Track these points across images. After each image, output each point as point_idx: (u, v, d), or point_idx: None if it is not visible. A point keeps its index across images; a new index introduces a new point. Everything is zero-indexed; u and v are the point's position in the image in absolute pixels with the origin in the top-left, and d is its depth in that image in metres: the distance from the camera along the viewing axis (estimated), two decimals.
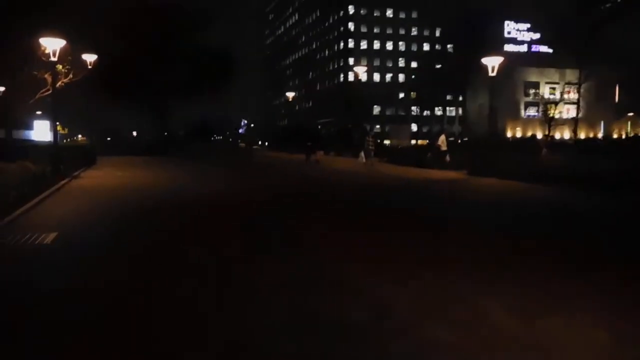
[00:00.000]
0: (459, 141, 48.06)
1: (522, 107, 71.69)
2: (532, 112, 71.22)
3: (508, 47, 76.68)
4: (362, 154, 22.52)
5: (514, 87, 68.43)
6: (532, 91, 71.43)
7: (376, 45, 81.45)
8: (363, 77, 65.06)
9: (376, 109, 76.85)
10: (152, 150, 34.04)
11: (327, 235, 6.99)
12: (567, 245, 6.46)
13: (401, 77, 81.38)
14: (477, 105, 67.00)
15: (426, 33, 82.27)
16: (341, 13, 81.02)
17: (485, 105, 52.73)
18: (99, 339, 3.42)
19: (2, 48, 19.30)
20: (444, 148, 21.14)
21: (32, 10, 19.00)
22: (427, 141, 41.79)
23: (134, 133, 63.70)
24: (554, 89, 67.92)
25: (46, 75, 19.74)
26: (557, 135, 59.40)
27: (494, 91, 22.38)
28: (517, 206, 10.61)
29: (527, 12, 75.86)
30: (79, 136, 59.55)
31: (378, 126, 70.04)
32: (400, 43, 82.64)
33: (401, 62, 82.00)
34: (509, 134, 65.14)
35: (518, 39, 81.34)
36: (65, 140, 40.17)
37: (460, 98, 75.86)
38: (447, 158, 20.45)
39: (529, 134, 61.48)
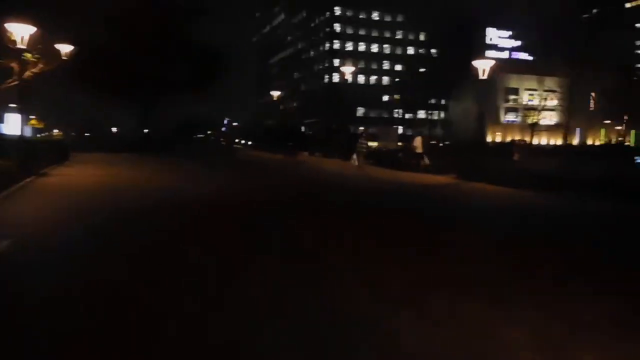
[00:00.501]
0: (441, 145, 48.47)
1: (502, 112, 73.09)
2: (511, 117, 72.71)
3: (489, 53, 78.01)
4: (355, 156, 21.85)
5: (494, 93, 69.68)
6: (511, 97, 72.91)
7: (361, 47, 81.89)
8: (349, 78, 65.12)
9: (360, 111, 77.22)
10: (132, 147, 33.28)
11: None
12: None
13: (385, 80, 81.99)
14: (461, 109, 67.98)
15: (411, 37, 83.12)
16: (327, 14, 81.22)
17: (468, 109, 53.50)
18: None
19: None
20: (419, 150, 20.97)
21: None
22: (402, 143, 41.80)
23: (114, 129, 62.59)
24: (532, 95, 69.57)
25: (12, 64, 17.97)
26: (535, 141, 60.72)
27: (482, 96, 22.84)
28: (526, 212, 10.48)
29: (510, 20, 77.33)
30: (55, 131, 57.84)
31: (362, 128, 70.29)
32: (385, 46, 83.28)
33: (386, 65, 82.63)
34: (489, 139, 66.23)
35: (499, 45, 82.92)
36: (38, 135, 38.88)
37: (443, 102, 76.80)
38: (426, 161, 20.18)
39: (509, 139, 62.72)
